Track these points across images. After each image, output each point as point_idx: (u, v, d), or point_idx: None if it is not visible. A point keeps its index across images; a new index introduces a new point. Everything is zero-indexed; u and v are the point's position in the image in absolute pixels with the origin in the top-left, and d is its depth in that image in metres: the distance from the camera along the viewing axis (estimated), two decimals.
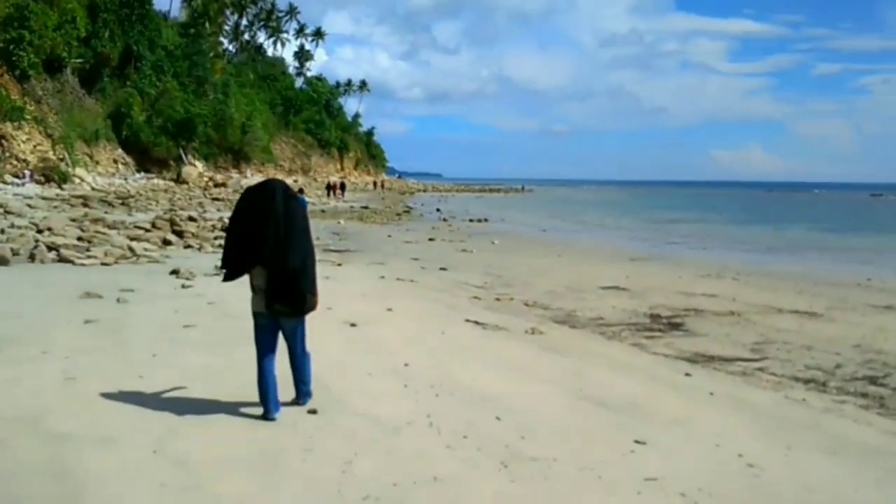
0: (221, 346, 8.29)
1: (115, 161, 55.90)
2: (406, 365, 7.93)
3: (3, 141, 41.89)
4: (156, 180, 55.74)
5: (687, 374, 8.43)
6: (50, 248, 15.44)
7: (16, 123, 42.41)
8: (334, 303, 11.55)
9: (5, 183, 36.49)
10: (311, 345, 6.44)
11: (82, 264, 14.64)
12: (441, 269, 18.32)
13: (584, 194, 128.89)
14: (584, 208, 67.88)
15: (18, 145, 42.82)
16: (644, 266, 20.94)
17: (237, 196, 6.75)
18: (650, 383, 7.82)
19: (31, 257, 14.73)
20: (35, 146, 44.75)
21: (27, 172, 39.72)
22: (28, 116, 44.14)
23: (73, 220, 21.05)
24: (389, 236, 28.53)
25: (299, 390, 6.36)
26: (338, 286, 14.02)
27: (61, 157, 45.92)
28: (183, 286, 12.71)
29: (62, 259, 14.92)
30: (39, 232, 17.92)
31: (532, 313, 12.51)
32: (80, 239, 17.26)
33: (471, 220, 41.49)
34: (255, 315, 5.99)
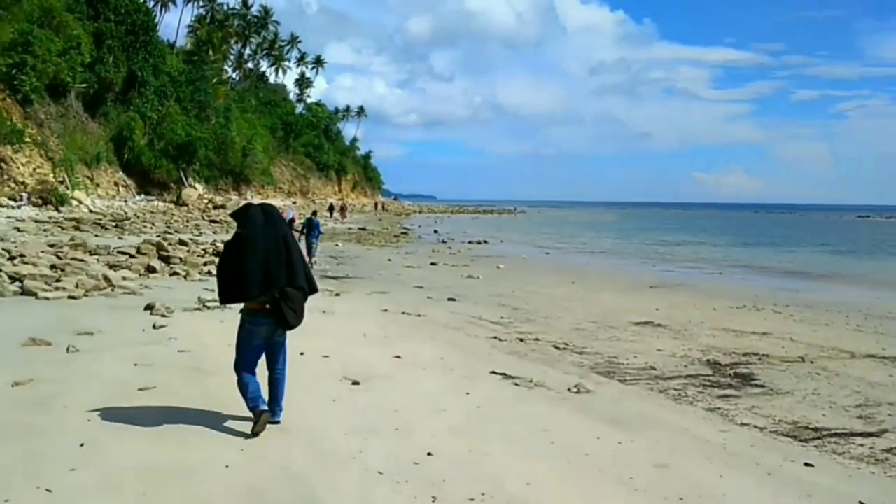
0: (180, 423, 5.89)
1: (116, 184, 53.34)
2: (429, 455, 5.50)
3: (2, 164, 39.41)
4: (156, 202, 53.14)
5: (807, 465, 5.91)
6: (13, 279, 12.90)
7: (15, 146, 39.92)
8: (332, 348, 9.21)
9: (0, 206, 33.90)
10: (303, 416, 6.21)
11: (46, 298, 12.08)
12: (449, 299, 15.88)
13: (575, 215, 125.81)
14: (579, 230, 65.41)
15: (17, 168, 40.35)
16: (669, 296, 18.49)
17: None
18: (770, 484, 5.33)
19: None
20: (35, 169, 42.32)
21: (24, 195, 37.25)
22: (28, 139, 41.73)
23: (52, 245, 18.45)
24: (389, 260, 26.00)
25: (273, 409, 6.05)
26: (337, 324, 11.58)
27: (61, 179, 43.46)
28: (154, 326, 10.17)
29: (24, 291, 12.37)
30: (11, 259, 15.35)
31: (567, 360, 10.01)
32: (52, 267, 14.68)
33: (470, 243, 38.99)
34: (251, 334, 5.88)
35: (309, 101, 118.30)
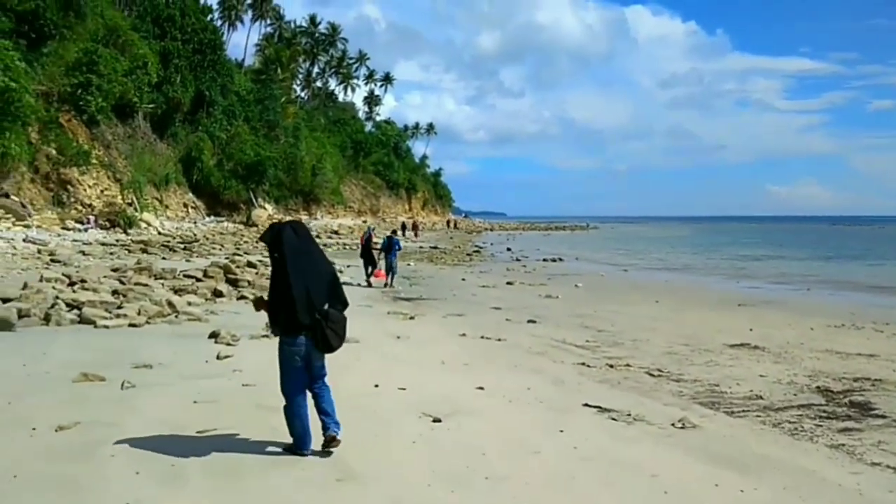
0: (244, 473, 5.32)
1: (186, 205, 54.11)
2: None
3: (69, 186, 40.17)
4: (225, 224, 53.65)
5: None
6: (70, 307, 12.56)
7: (82, 168, 40.63)
8: (409, 378, 8.56)
9: (67, 229, 34.46)
10: (380, 461, 5.77)
11: (105, 327, 11.70)
12: (529, 321, 15.15)
13: (648, 231, 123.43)
14: (653, 245, 63.91)
15: (84, 190, 41.11)
16: (760, 314, 17.49)
17: None
18: None
19: (46, 318, 11.86)
20: (102, 191, 43.09)
21: (91, 217, 37.78)
22: (95, 161, 42.47)
23: (116, 269, 18.25)
24: (463, 280, 25.34)
25: (328, 424, 5.85)
26: (413, 351, 10.95)
27: (129, 201, 44.14)
28: (219, 356, 9.63)
29: (83, 320, 12.01)
30: (71, 284, 15.13)
31: (664, 389, 9.24)
32: (114, 293, 14.38)
33: (544, 260, 38.11)
34: (292, 355, 5.71)
35: (378, 118, 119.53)
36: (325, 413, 5.86)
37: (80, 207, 39.70)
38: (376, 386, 8.18)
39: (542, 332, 13.57)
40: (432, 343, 11.90)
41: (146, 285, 15.84)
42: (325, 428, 5.81)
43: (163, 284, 16.46)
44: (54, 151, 39.95)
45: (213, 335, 11.03)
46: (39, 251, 25.00)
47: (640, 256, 45.85)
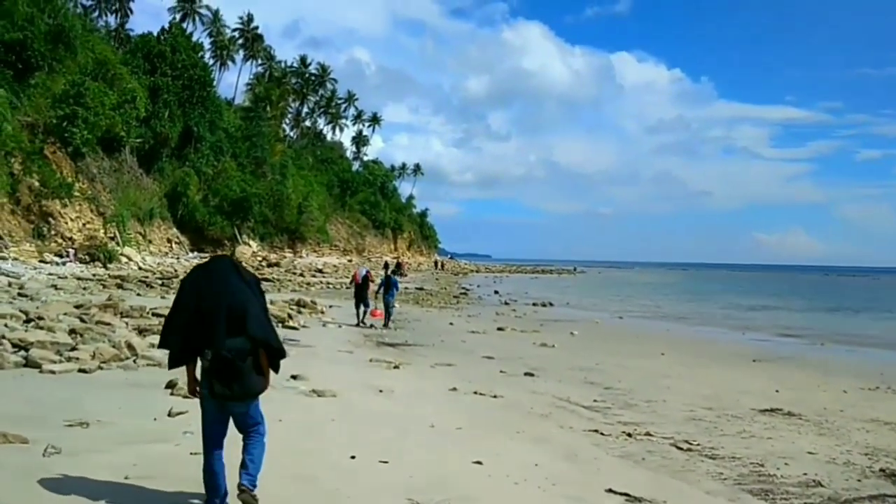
0: None
1: (170, 240, 52.65)
2: None
3: (50, 218, 38.66)
4: None
5: None
6: (17, 347, 11.01)
7: (64, 201, 39.10)
8: (393, 447, 7.05)
9: (44, 262, 32.81)
10: None
11: (51, 371, 10.14)
12: (527, 373, 13.61)
13: (636, 276, 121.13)
14: (644, 291, 62.00)
15: (66, 223, 39.60)
16: (779, 372, 16.00)
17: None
18: None
19: None
20: (84, 224, 41.59)
21: (71, 251, 36.19)
22: (77, 194, 40.98)
23: (79, 306, 16.70)
24: (451, 324, 23.73)
25: (240, 473, 5.05)
26: (397, 409, 9.45)
27: (111, 235, 42.58)
28: (171, 412, 8.10)
29: (28, 363, 10.46)
30: (27, 321, 13.61)
31: (700, 468, 7.65)
32: (72, 332, 12.85)
33: (534, 304, 36.42)
34: (203, 399, 5.11)
35: (365, 158, 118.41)
36: (242, 464, 5.16)
37: (60, 240, 38.15)
38: (353, 458, 6.69)
39: (542, 388, 12.07)
40: (420, 399, 10.39)
41: (108, 324, 14.30)
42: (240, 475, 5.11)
43: (127, 324, 14.92)
44: (37, 183, 38.51)
45: (170, 385, 9.52)
46: (10, 284, 23.35)
47: (633, 303, 44.22)
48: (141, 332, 14.35)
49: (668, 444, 8.61)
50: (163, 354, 12.03)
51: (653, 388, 12.64)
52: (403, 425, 8.43)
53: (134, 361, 11.49)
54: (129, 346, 12.12)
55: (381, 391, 10.65)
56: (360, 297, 21.69)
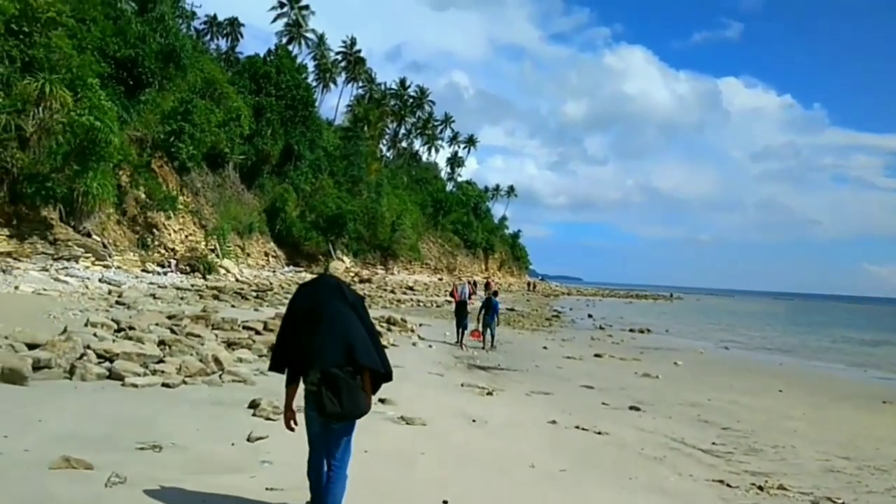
0: None
1: (267, 254, 53.00)
2: None
3: (154, 230, 39.21)
4: (304, 274, 52.12)
5: None
6: (102, 359, 10.55)
7: (168, 213, 39.69)
8: (488, 490, 6.19)
9: (146, 271, 33.19)
10: None
11: (133, 385, 9.62)
12: (632, 407, 12.41)
13: (737, 305, 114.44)
14: (747, 321, 58.13)
15: (169, 234, 40.15)
16: None
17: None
18: None
19: (71, 371, 9.87)
20: (186, 236, 42.17)
21: (172, 262, 36.58)
22: (181, 206, 41.56)
23: (172, 316, 16.38)
24: (545, 348, 22.58)
25: None
26: (492, 442, 8.53)
27: (212, 247, 43.00)
28: (250, 437, 7.38)
29: (112, 375, 9.98)
30: (117, 331, 13.26)
31: None
32: (161, 343, 12.40)
33: (631, 330, 34.54)
34: (307, 418, 5.01)
35: (460, 179, 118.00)
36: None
37: (163, 251, 38.68)
38: (445, 503, 5.83)
39: (650, 425, 10.88)
40: (516, 431, 9.43)
41: (198, 336, 13.85)
42: None
43: (217, 336, 14.42)
44: (143, 195, 39.19)
45: (253, 405, 8.85)
46: (110, 292, 23.45)
47: (737, 332, 41.58)
48: (230, 345, 13.85)
49: (807, 500, 7.40)
50: (249, 371, 11.52)
51: (777, 432, 11.29)
52: (500, 463, 7.50)
53: (220, 377, 10.90)
54: (216, 361, 11.57)
55: (473, 420, 9.72)
56: (461, 315, 21.16)
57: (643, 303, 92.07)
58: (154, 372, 10.51)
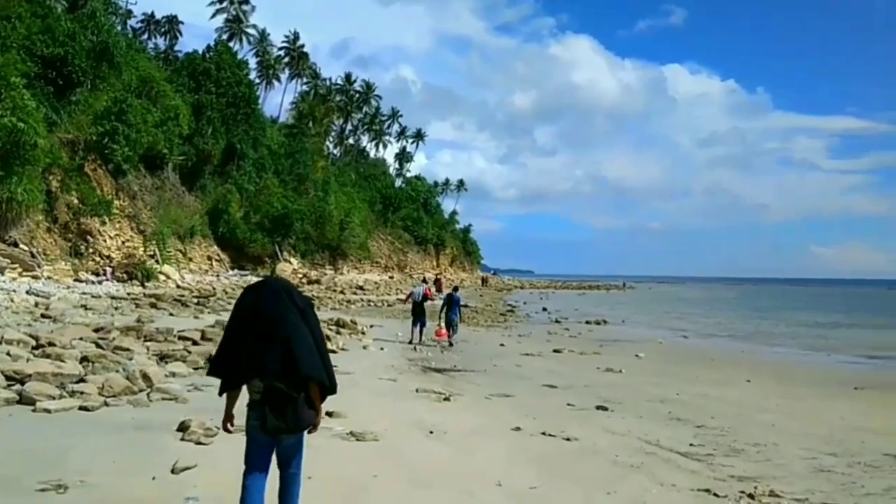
0: None
1: (210, 258, 51.46)
2: None
3: (89, 236, 37.51)
4: (249, 277, 50.68)
5: None
6: (11, 381, 9.46)
7: (103, 218, 38.06)
8: None
9: (80, 280, 31.64)
10: None
11: (46, 410, 8.56)
12: (599, 407, 11.63)
13: (689, 292, 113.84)
14: (702, 308, 57.78)
15: (104, 241, 38.45)
16: (893, 401, 13.91)
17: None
18: None
19: None
20: (123, 242, 40.49)
21: (108, 269, 34.99)
22: (117, 211, 39.95)
23: (99, 329, 15.20)
24: (502, 345, 21.76)
25: None
26: (453, 458, 7.74)
27: (151, 253, 41.44)
28: (174, 469, 6.42)
29: (22, 399, 8.91)
30: (35, 348, 12.11)
31: None
32: (84, 360, 11.33)
33: (587, 322, 33.82)
34: (250, 429, 4.61)
35: (408, 175, 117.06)
36: None
37: (98, 259, 37.02)
38: None
39: (621, 427, 10.09)
40: (478, 441, 8.63)
41: (127, 350, 12.75)
42: None
43: (148, 349, 13.33)
44: (76, 200, 37.52)
45: (182, 427, 7.88)
46: (36, 304, 22.02)
47: (692, 320, 41.19)
48: (162, 358, 12.80)
49: None
50: (181, 386, 10.52)
51: (754, 427, 10.59)
52: (463, 483, 6.68)
53: (147, 396, 9.87)
54: (145, 377, 10.54)
55: (431, 432, 8.87)
56: (419, 313, 21.07)
57: (596, 293, 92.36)
58: (72, 393, 9.45)
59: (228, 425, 4.80)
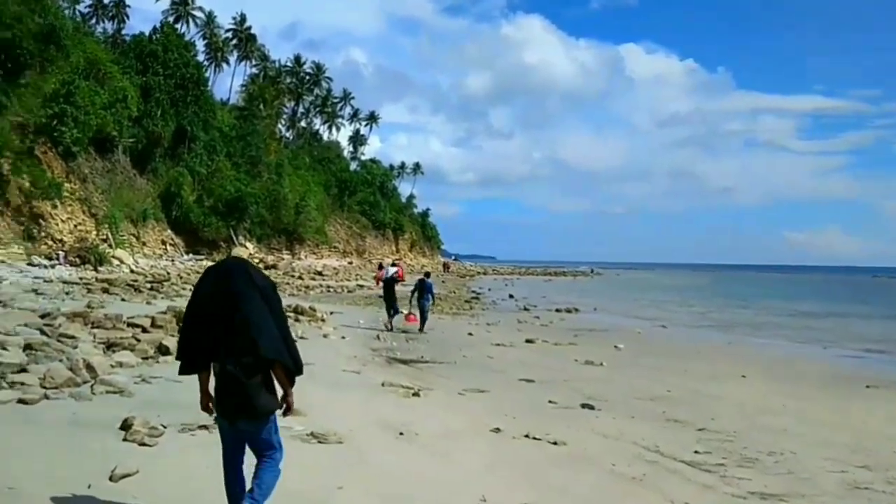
0: None
1: (164, 242, 50.40)
2: None
3: (40, 220, 36.48)
4: (204, 262, 49.60)
5: None
6: None
7: (54, 202, 36.91)
8: None
9: (32, 265, 30.58)
10: None
11: None
12: (584, 405, 10.83)
13: (659, 278, 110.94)
14: (676, 295, 56.07)
15: (56, 225, 37.52)
16: None
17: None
18: None
19: None
20: (76, 226, 39.48)
21: (61, 253, 33.97)
22: (68, 194, 38.79)
23: (45, 315, 14.35)
24: (471, 334, 20.70)
25: (246, 497, 4.47)
26: (427, 465, 7.02)
27: (104, 237, 40.31)
28: (112, 476, 5.69)
29: None
30: None
31: None
32: (27, 348, 10.56)
33: (558, 311, 32.49)
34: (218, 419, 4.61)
35: (363, 158, 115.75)
36: (249, 489, 4.53)
37: (50, 243, 36.00)
38: None
39: (613, 429, 9.23)
40: (454, 446, 7.83)
41: (73, 337, 11.92)
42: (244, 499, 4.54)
43: (94, 336, 12.54)
44: (27, 184, 36.35)
45: (125, 425, 7.20)
46: None
47: (668, 308, 39.88)
48: (109, 346, 11.95)
49: None
50: (128, 378, 9.80)
51: (764, 432, 9.69)
52: (440, 498, 5.94)
53: (91, 388, 9.09)
54: (89, 367, 9.74)
55: (401, 433, 7.99)
56: (390, 297, 20.50)
57: (563, 280, 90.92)
58: (12, 384, 8.65)
59: (211, 405, 4.59)
